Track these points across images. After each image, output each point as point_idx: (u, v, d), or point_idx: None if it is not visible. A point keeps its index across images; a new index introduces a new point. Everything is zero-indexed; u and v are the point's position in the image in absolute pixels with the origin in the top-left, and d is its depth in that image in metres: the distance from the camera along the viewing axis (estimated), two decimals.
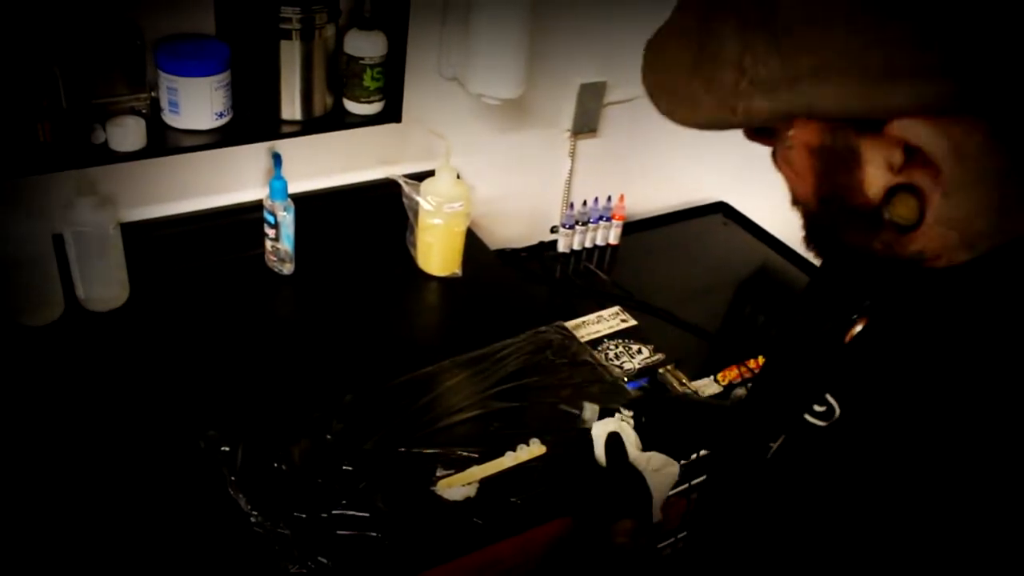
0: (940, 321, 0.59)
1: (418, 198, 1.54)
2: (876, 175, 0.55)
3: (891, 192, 0.55)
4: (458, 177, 1.55)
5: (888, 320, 0.65)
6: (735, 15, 0.54)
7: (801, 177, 0.60)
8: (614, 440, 1.11)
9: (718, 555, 0.78)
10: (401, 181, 1.56)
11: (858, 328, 0.68)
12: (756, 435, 0.74)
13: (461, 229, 1.57)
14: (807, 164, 0.58)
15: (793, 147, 0.58)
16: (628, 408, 1.16)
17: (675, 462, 1.11)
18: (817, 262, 0.78)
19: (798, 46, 0.52)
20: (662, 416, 1.18)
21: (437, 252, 1.58)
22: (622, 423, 1.14)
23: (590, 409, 1.21)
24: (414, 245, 1.61)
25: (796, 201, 0.64)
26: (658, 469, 1.09)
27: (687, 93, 0.58)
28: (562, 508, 1.17)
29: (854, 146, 0.55)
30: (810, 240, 0.66)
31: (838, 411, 0.63)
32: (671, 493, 1.40)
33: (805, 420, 0.65)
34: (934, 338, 0.59)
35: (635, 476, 1.07)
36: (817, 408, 0.64)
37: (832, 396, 0.64)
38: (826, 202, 0.60)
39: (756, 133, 0.62)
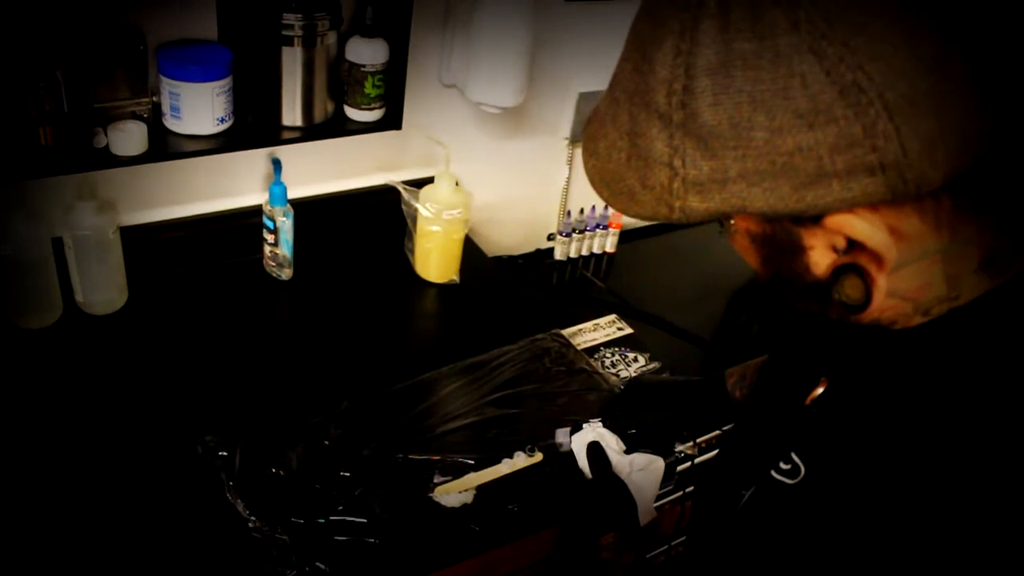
0: (899, 382, 0.60)
1: (417, 205, 1.55)
2: (820, 257, 0.56)
3: (837, 272, 0.56)
4: (457, 184, 1.56)
5: (847, 382, 0.66)
6: (659, 117, 0.54)
7: (750, 257, 0.61)
8: (595, 449, 1.11)
9: None
10: (400, 188, 1.57)
11: (819, 391, 0.69)
12: (727, 488, 0.75)
13: (459, 236, 1.58)
14: (751, 249, 0.60)
15: (736, 232, 0.59)
16: (602, 416, 1.15)
17: (659, 457, 1.10)
18: None
19: (724, 151, 0.52)
20: (639, 408, 1.18)
21: (435, 259, 1.59)
22: (600, 430, 1.13)
23: (562, 433, 1.17)
24: (412, 252, 1.62)
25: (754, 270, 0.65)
26: (643, 468, 1.09)
27: (625, 187, 0.58)
28: (558, 516, 1.18)
29: (794, 236, 0.56)
30: (770, 292, 0.66)
31: (803, 470, 0.63)
32: (666, 500, 1.41)
33: (772, 477, 0.66)
34: (893, 399, 0.59)
35: (617, 486, 1.06)
36: (783, 466, 0.65)
37: (797, 455, 0.65)
38: (775, 281, 0.61)
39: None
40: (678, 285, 1.87)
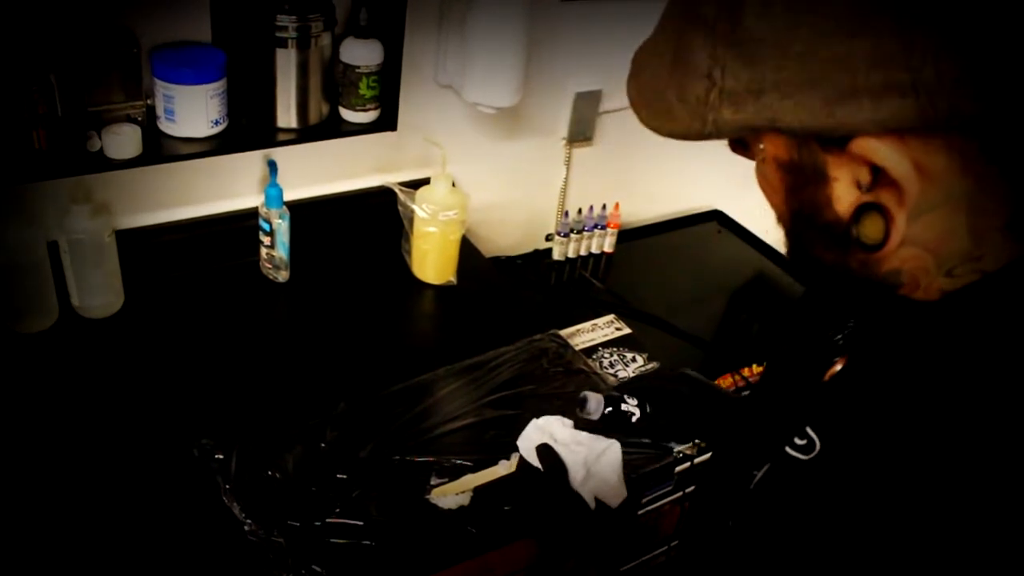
0: (919, 361, 0.59)
1: (413, 206, 1.54)
2: (844, 193, 0.56)
3: (859, 211, 0.55)
4: (453, 185, 1.56)
5: (867, 360, 0.65)
6: (704, 28, 0.55)
7: (775, 191, 0.61)
8: (546, 453, 1.02)
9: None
10: (396, 189, 1.57)
11: (838, 367, 0.69)
12: (740, 464, 0.74)
13: (456, 237, 1.57)
14: (777, 178, 0.60)
15: (765, 160, 0.59)
16: (631, 396, 1.07)
17: (614, 440, 1.06)
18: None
19: (763, 61, 0.52)
20: (671, 404, 1.10)
21: (432, 260, 1.59)
22: (549, 422, 1.08)
23: (595, 400, 1.06)
24: (409, 253, 1.61)
25: (777, 219, 0.65)
26: (602, 453, 1.04)
27: (663, 104, 0.59)
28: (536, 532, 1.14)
29: (820, 163, 0.56)
30: (792, 260, 0.67)
31: (819, 445, 0.63)
32: (666, 501, 1.41)
33: (786, 453, 0.65)
34: (913, 377, 0.59)
35: (571, 500, 0.99)
36: (798, 441, 0.65)
37: (813, 430, 0.64)
38: (798, 218, 0.61)
39: (737, 145, 0.63)
40: (677, 285, 1.87)
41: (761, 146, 0.59)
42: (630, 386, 1.09)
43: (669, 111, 0.59)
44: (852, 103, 0.50)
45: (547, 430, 1.07)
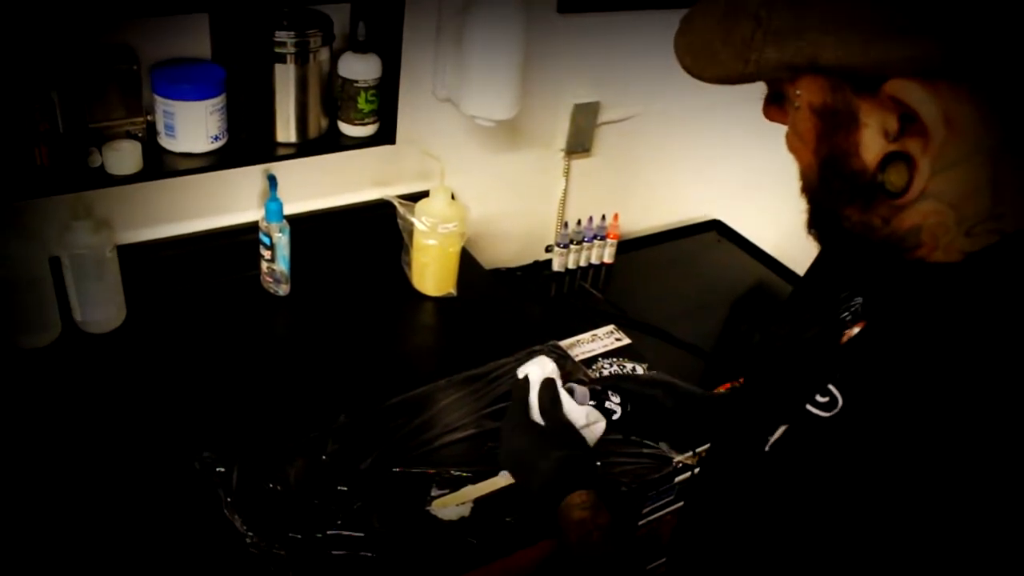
0: (939, 323, 0.60)
1: (412, 219, 1.55)
2: (872, 140, 0.58)
3: (886, 160, 0.58)
4: (452, 198, 1.57)
5: (886, 324, 0.66)
6: None
7: (805, 141, 0.63)
8: (549, 389, 1.03)
9: (711, 548, 0.78)
10: (395, 202, 1.57)
11: (855, 331, 0.70)
12: (754, 428, 0.74)
13: (456, 249, 1.58)
14: (810, 125, 0.62)
15: (800, 107, 0.62)
16: (615, 393, 1.09)
17: (602, 417, 1.06)
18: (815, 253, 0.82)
19: (808, 1, 0.56)
20: (650, 406, 1.12)
21: (432, 272, 1.59)
22: (550, 367, 1.07)
23: (580, 393, 1.07)
24: (409, 265, 1.62)
25: (803, 185, 0.68)
26: (587, 425, 1.04)
27: (709, 51, 0.62)
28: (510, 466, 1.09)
29: (853, 106, 0.58)
30: (812, 224, 0.70)
31: (841, 401, 0.63)
32: (667, 511, 1.41)
33: (807, 411, 0.66)
34: (933, 338, 0.60)
35: (574, 437, 1.00)
36: (820, 399, 0.65)
37: (835, 387, 0.65)
38: (826, 167, 0.63)
39: (771, 105, 0.67)
40: (676, 295, 1.87)
41: (797, 92, 0.61)
42: (611, 384, 1.10)
43: (714, 56, 0.62)
44: (888, 41, 0.53)
45: (552, 370, 1.07)
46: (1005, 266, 0.58)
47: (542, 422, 1.01)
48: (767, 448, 0.70)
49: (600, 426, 1.05)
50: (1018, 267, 0.58)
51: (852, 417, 0.62)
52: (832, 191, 0.64)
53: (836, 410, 0.63)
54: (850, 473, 0.60)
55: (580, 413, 1.04)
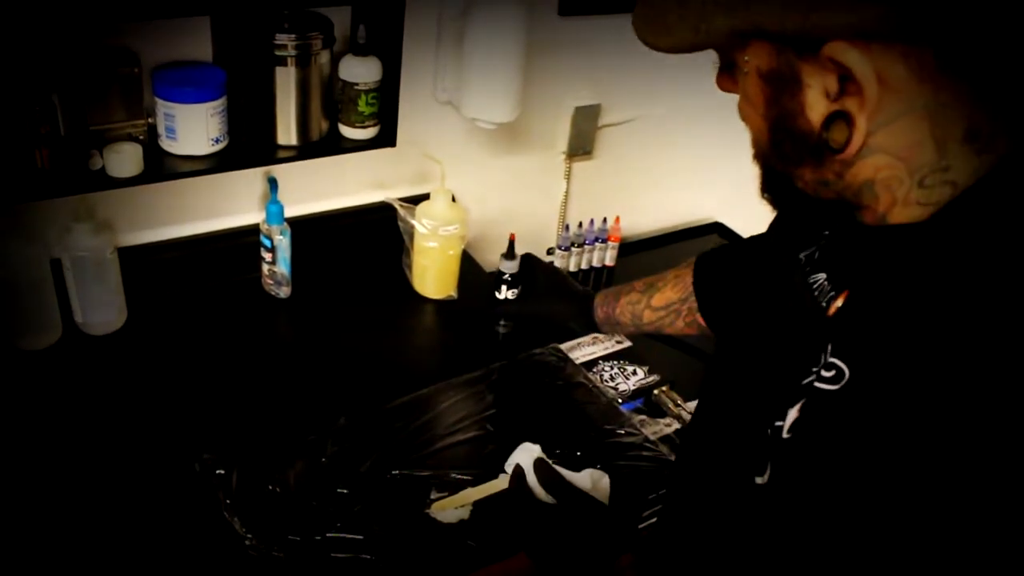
0: (923, 282, 0.62)
1: (413, 221, 1.55)
2: (816, 100, 0.63)
3: (829, 119, 0.63)
4: (453, 200, 1.57)
5: (871, 290, 0.68)
6: None
7: (755, 106, 0.68)
8: (543, 467, 1.01)
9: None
10: (396, 204, 1.57)
11: (839, 302, 0.72)
12: (754, 416, 0.75)
13: (456, 252, 1.58)
14: (758, 89, 0.66)
15: (748, 72, 0.66)
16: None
17: (605, 474, 1.05)
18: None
19: None
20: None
21: (432, 275, 1.59)
22: (535, 451, 1.06)
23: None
24: (409, 268, 1.62)
25: (755, 151, 0.72)
26: (593, 487, 1.03)
27: (663, 21, 0.66)
28: (534, 553, 1.10)
29: (796, 69, 0.63)
30: (766, 188, 0.74)
31: (848, 372, 0.65)
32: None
33: (816, 388, 0.67)
34: (923, 296, 0.62)
35: (590, 502, 0.99)
36: (825, 373, 0.66)
37: (837, 359, 0.66)
38: (776, 128, 0.67)
39: (724, 75, 0.71)
40: None
41: (746, 58, 0.66)
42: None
43: (668, 27, 0.66)
44: (826, 8, 0.58)
45: (534, 452, 1.06)
46: (972, 218, 0.62)
47: (550, 500, 1.00)
48: (785, 433, 0.70)
49: (606, 481, 1.05)
50: (984, 217, 0.61)
51: (864, 385, 0.63)
52: (783, 152, 0.68)
53: (845, 381, 0.64)
54: (873, 440, 0.61)
55: (584, 478, 1.03)
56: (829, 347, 0.67)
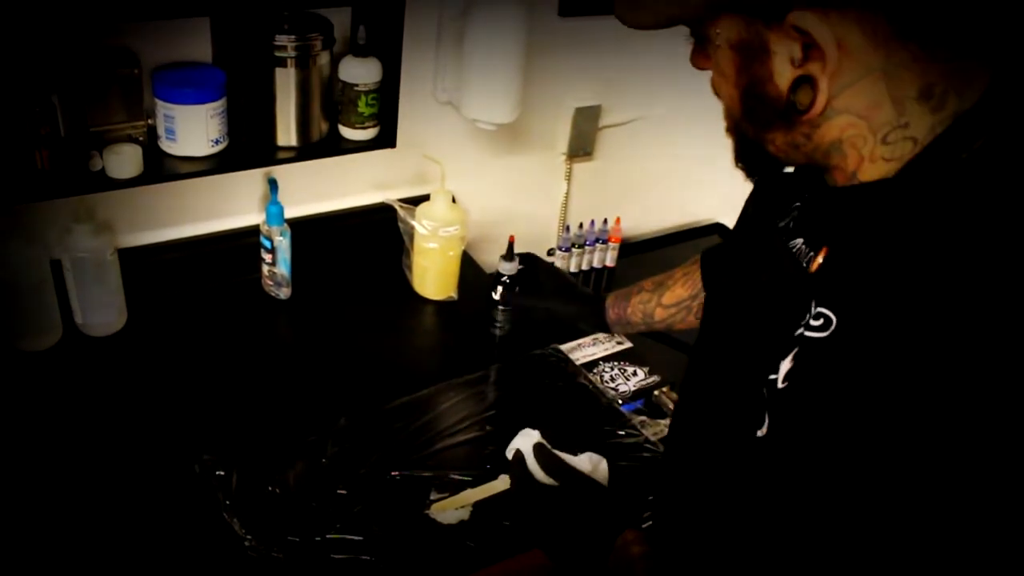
0: (899, 231, 0.67)
1: (413, 222, 1.55)
2: (782, 67, 0.68)
3: (795, 84, 0.68)
4: (453, 201, 1.57)
5: (850, 243, 0.72)
6: None
7: (727, 76, 0.73)
8: (543, 451, 1.02)
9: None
10: (396, 205, 1.57)
11: (820, 259, 0.76)
12: (748, 370, 0.77)
13: (456, 253, 1.58)
14: (730, 60, 0.72)
15: (720, 45, 0.72)
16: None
17: (603, 459, 1.06)
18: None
19: None
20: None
21: (432, 276, 1.59)
22: (535, 431, 1.06)
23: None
24: (410, 269, 1.62)
25: (728, 123, 0.78)
26: (592, 469, 1.04)
27: (642, 1, 0.72)
28: (539, 539, 1.13)
29: (764, 38, 0.68)
30: (740, 157, 0.79)
31: (835, 319, 0.69)
32: None
33: (805, 337, 0.71)
34: (901, 243, 0.66)
35: (589, 483, 1.00)
36: (813, 323, 0.70)
37: (824, 307, 0.70)
38: (747, 95, 0.72)
39: (696, 50, 0.76)
40: None
41: (717, 31, 0.71)
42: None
43: (647, 6, 0.72)
44: None
45: (534, 437, 1.06)
46: (935, 171, 0.67)
47: (551, 483, 1.01)
48: (780, 383, 0.73)
49: (604, 465, 1.06)
50: (946, 169, 0.66)
51: (850, 328, 0.67)
52: (756, 118, 0.73)
53: (833, 327, 0.68)
54: (863, 380, 0.64)
55: (583, 461, 1.04)
56: (814, 301, 0.71)
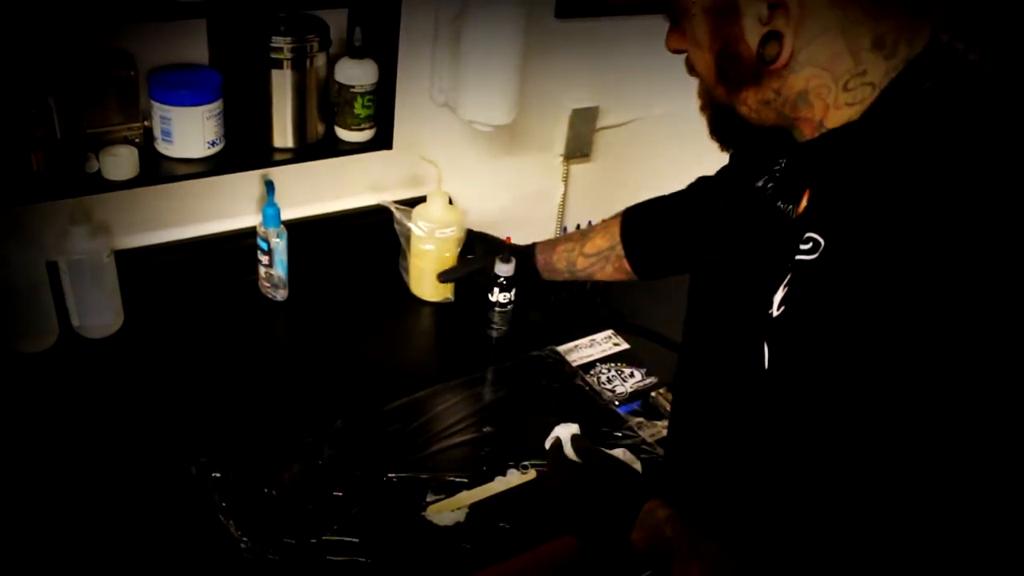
0: (874, 162, 0.74)
1: (410, 224, 1.55)
2: (752, 26, 0.77)
3: (763, 40, 0.76)
4: (450, 202, 1.56)
5: (831, 178, 0.79)
6: None
7: (702, 44, 0.81)
8: (579, 438, 1.08)
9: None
10: (392, 207, 1.57)
11: (804, 203, 0.82)
12: (748, 306, 0.83)
13: (453, 254, 1.58)
14: (705, 26, 0.80)
15: (695, 14, 0.81)
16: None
17: (636, 459, 1.12)
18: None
19: None
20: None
21: (430, 277, 1.59)
22: (575, 425, 1.11)
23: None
24: (406, 271, 1.62)
25: (704, 100, 0.87)
26: (627, 461, 1.08)
27: None
28: (551, 533, 1.16)
29: (735, 1, 0.77)
30: (714, 129, 0.90)
31: (823, 241, 0.75)
32: None
33: (798, 261, 0.77)
34: (877, 172, 0.73)
35: (618, 463, 1.04)
36: (803, 247, 0.77)
37: (814, 232, 0.76)
38: (721, 57, 0.80)
39: (672, 31, 0.85)
40: (675, 299, 1.86)
41: (693, 1, 0.80)
42: None
43: None
44: None
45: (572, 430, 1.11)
46: (894, 109, 0.75)
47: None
48: (776, 311, 0.79)
49: (638, 466, 1.13)
50: (903, 106, 0.75)
51: (838, 246, 0.73)
52: (728, 78, 0.81)
53: (822, 249, 0.75)
54: (851, 295, 0.70)
55: (618, 453, 1.10)
56: (805, 232, 0.77)
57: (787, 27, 0.74)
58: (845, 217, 0.74)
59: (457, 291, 1.61)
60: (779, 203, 0.87)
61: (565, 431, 1.10)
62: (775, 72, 0.77)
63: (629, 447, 1.32)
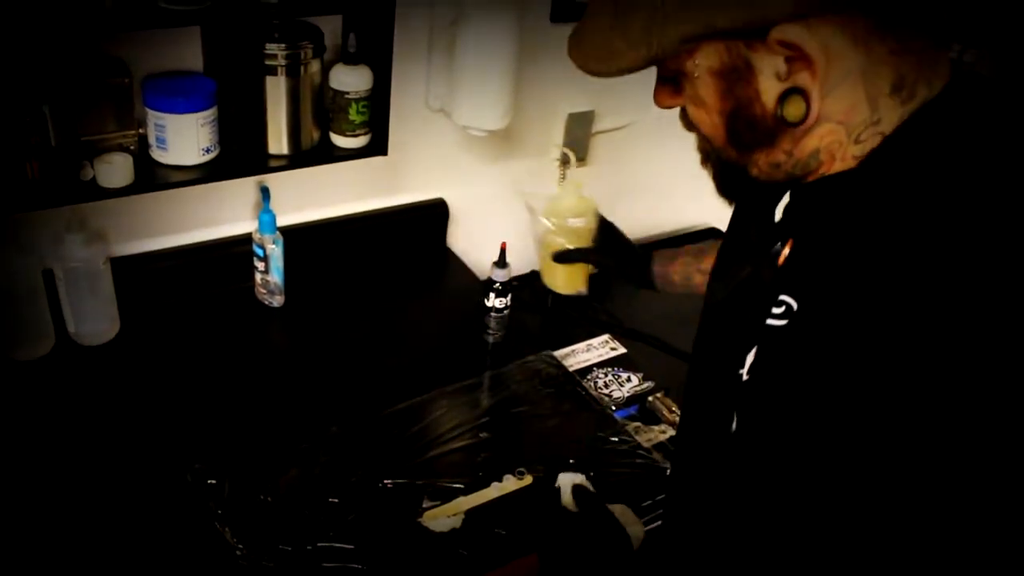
0: (859, 216, 0.68)
1: (542, 218, 1.45)
2: (768, 83, 0.67)
3: (783, 97, 0.67)
4: (581, 193, 1.48)
5: (812, 231, 0.73)
6: None
7: (709, 106, 0.71)
8: (581, 490, 1.11)
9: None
10: (526, 201, 1.48)
11: (786, 251, 0.76)
12: (722, 359, 0.78)
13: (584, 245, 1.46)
14: (712, 88, 0.70)
15: (699, 75, 0.70)
16: None
17: (639, 521, 1.13)
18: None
19: None
20: None
21: (562, 271, 1.47)
22: (580, 475, 1.17)
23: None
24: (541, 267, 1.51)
25: (706, 155, 0.77)
26: (619, 513, 1.09)
27: (608, 48, 0.70)
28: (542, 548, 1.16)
29: (747, 58, 0.67)
30: (722, 189, 0.80)
31: (796, 305, 0.69)
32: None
33: (768, 326, 0.71)
34: (859, 228, 0.67)
35: (610, 519, 1.05)
36: (775, 311, 0.70)
37: (787, 295, 0.70)
38: (733, 119, 0.71)
39: (662, 86, 0.75)
40: (672, 303, 1.86)
41: (696, 62, 0.69)
42: None
43: (616, 53, 0.69)
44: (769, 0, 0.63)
45: (584, 481, 1.16)
46: (894, 158, 0.67)
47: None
48: (745, 376, 0.73)
49: (638, 530, 1.13)
50: (905, 156, 0.67)
51: (809, 314, 0.68)
52: (740, 142, 0.72)
53: (793, 314, 0.69)
54: (820, 364, 0.64)
55: (616, 507, 1.10)
56: (781, 292, 0.72)
57: (812, 82, 0.65)
58: (819, 282, 0.68)
59: (453, 296, 1.61)
60: (776, 245, 0.80)
61: (567, 479, 1.13)
62: (790, 131, 0.69)
63: (625, 452, 1.33)
